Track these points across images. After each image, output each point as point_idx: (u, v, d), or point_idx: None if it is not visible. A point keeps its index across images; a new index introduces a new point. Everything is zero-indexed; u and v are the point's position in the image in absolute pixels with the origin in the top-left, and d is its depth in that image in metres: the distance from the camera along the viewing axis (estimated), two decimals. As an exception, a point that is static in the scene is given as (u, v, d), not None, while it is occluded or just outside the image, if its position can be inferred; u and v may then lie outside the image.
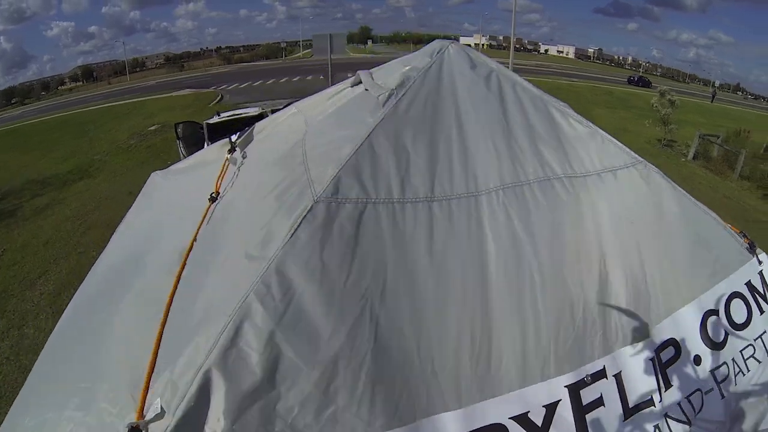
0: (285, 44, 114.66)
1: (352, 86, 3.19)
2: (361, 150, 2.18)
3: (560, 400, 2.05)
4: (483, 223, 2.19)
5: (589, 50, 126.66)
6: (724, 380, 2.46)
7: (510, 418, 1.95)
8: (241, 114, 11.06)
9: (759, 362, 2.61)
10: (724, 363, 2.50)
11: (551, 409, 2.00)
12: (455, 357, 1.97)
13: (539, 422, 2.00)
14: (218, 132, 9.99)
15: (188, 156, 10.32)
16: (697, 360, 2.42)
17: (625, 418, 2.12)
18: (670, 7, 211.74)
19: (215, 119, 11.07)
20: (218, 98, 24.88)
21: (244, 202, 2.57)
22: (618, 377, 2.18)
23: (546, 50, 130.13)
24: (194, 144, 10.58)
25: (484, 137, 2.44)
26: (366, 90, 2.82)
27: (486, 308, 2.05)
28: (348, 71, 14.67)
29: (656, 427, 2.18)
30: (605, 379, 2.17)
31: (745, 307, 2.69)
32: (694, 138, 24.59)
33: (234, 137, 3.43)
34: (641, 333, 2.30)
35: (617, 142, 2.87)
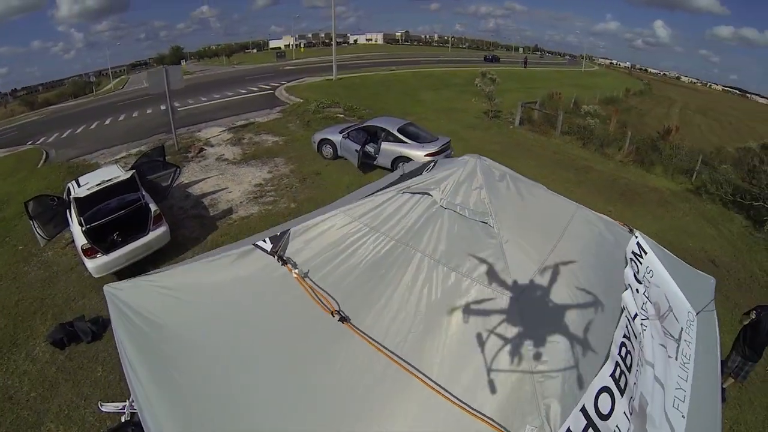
0: (93, 77, 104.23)
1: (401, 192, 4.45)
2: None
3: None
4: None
5: (397, 34, 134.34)
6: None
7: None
8: (110, 181, 10.56)
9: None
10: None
11: None
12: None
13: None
14: (88, 205, 10.27)
15: (46, 236, 10.73)
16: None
17: None
18: None
19: (83, 191, 10.50)
20: (44, 157, 20.64)
21: None
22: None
23: (355, 40, 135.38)
24: (51, 220, 10.49)
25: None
26: (459, 213, 4.10)
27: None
28: (177, 99, 15.79)
29: None
30: None
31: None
32: (516, 107, 29.80)
33: (266, 244, 4.16)
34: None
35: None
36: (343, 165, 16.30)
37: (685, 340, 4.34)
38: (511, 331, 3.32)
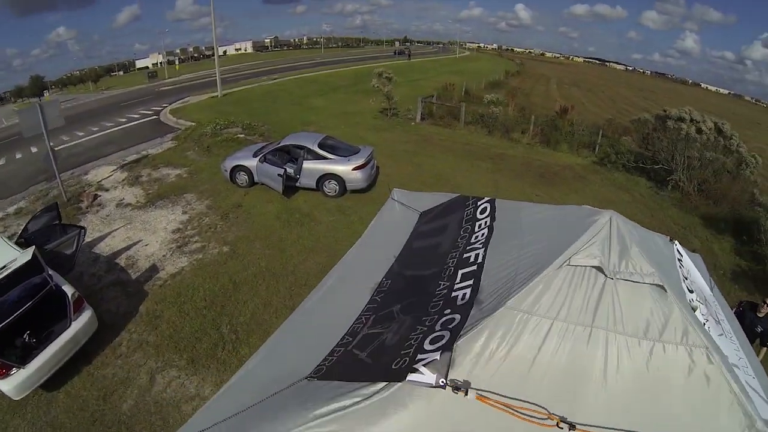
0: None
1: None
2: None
3: None
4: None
5: (266, 41, 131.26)
6: None
7: None
8: (4, 269, 7.63)
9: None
10: None
11: None
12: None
13: None
14: None
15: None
16: None
17: None
18: None
19: None
20: None
21: None
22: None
23: (225, 51, 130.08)
24: None
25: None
26: (633, 281, 4.09)
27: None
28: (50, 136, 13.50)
29: None
30: None
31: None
32: (410, 102, 29.79)
33: (426, 376, 3.66)
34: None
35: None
36: (263, 192, 14.77)
37: (721, 319, 5.09)
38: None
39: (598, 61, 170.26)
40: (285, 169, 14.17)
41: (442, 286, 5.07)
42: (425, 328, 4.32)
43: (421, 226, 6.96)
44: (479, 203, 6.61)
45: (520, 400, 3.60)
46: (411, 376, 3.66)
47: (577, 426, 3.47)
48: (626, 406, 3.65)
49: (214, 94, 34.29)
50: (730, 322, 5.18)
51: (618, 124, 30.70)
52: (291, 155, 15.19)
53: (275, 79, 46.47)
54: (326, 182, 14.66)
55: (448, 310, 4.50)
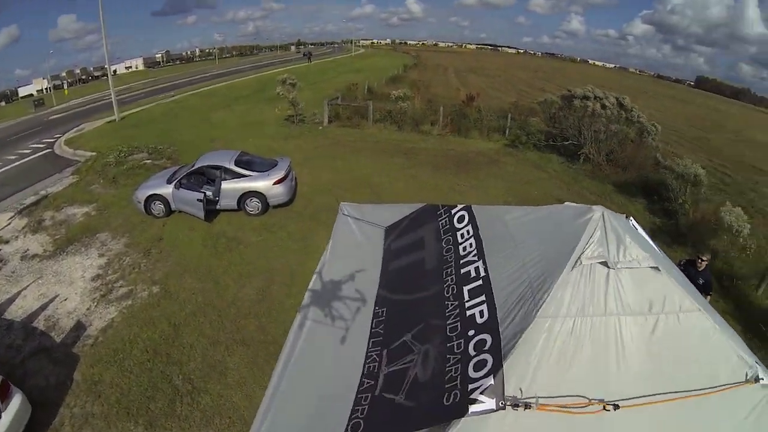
0: None
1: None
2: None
3: None
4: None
5: (157, 56, 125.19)
6: None
7: None
8: None
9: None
10: None
11: None
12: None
13: None
14: None
15: None
16: None
17: None
18: None
19: None
20: None
21: None
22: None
23: (115, 70, 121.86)
24: None
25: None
26: (633, 268, 4.41)
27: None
28: None
29: None
30: None
31: None
32: (315, 106, 29.32)
33: (486, 403, 3.70)
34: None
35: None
36: (182, 219, 13.73)
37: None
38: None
39: (490, 47, 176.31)
40: (204, 193, 13.28)
41: (451, 307, 4.98)
42: (458, 355, 4.32)
43: (392, 244, 6.62)
44: (453, 212, 6.41)
45: (571, 396, 3.89)
46: (473, 408, 3.67)
47: (620, 404, 3.85)
48: (647, 374, 4.10)
49: (111, 118, 31.72)
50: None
51: (523, 106, 31.84)
52: (207, 177, 14.30)
53: (173, 96, 44.31)
54: (248, 201, 13.97)
55: (472, 331, 4.49)
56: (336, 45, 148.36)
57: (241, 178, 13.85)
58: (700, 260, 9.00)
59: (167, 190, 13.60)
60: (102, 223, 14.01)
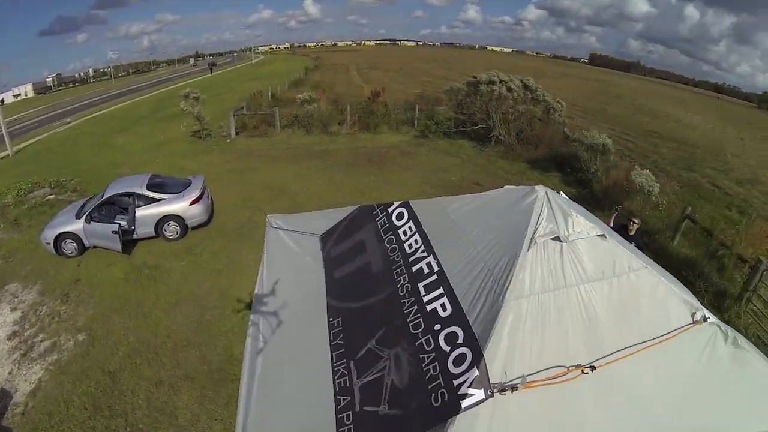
0: None
1: None
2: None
3: None
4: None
5: (48, 80, 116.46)
6: None
7: None
8: None
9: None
10: None
11: None
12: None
13: None
14: None
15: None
16: None
17: None
18: (118, 7, 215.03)
19: None
20: None
21: None
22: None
23: (2, 100, 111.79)
24: None
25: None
26: (584, 238, 4.71)
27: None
28: None
29: None
30: None
31: None
32: (221, 118, 28.83)
33: (475, 395, 3.78)
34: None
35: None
36: (98, 255, 12.76)
37: None
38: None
39: (389, 42, 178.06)
40: (118, 224, 12.46)
41: (408, 305, 4.96)
42: (431, 353, 4.35)
43: (331, 251, 6.45)
44: (391, 210, 6.33)
45: (550, 369, 4.09)
46: (465, 402, 3.72)
47: (595, 365, 4.18)
48: (612, 334, 4.41)
49: (4, 153, 29.00)
50: None
51: (429, 96, 32.47)
52: (119, 206, 13.45)
53: (69, 122, 41.48)
54: (165, 225, 13.32)
55: (438, 325, 4.53)
56: (235, 54, 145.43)
57: (156, 203, 13.21)
58: (632, 223, 9.49)
59: (78, 226, 12.57)
60: (9, 272, 12.57)
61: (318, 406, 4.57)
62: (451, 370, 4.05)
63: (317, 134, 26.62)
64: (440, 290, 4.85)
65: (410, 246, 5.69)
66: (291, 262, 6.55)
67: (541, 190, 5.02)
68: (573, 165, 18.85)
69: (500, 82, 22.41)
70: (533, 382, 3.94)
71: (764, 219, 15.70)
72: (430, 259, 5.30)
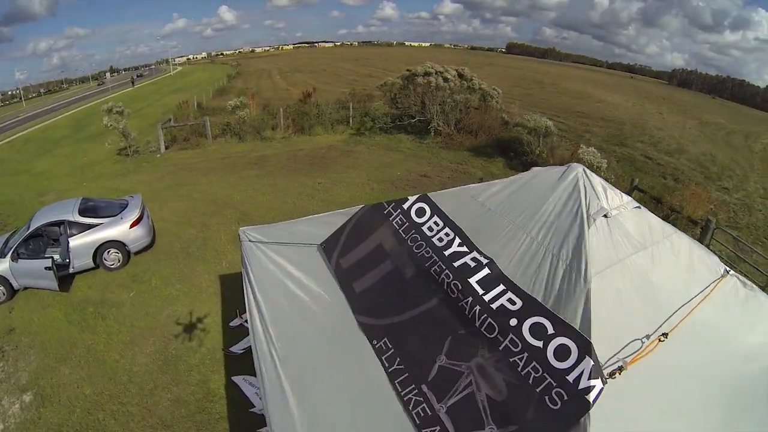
0: None
1: None
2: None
3: None
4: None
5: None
6: None
7: None
8: None
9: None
10: None
11: None
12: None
13: None
14: None
15: None
16: None
17: None
18: (25, 22, 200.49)
19: None
20: None
21: None
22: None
23: None
24: None
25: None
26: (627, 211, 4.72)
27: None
28: None
29: None
30: None
31: None
32: (149, 133, 26.74)
33: None
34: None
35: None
36: (32, 297, 10.81)
37: None
38: None
39: (307, 45, 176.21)
40: (51, 258, 10.59)
41: (468, 307, 4.27)
42: (522, 353, 3.81)
43: (341, 262, 5.33)
44: (407, 206, 5.43)
45: (631, 342, 3.84)
46: (591, 396, 3.35)
47: (665, 330, 3.96)
48: (668, 297, 4.28)
49: None
50: None
51: (361, 93, 31.62)
52: (49, 237, 11.71)
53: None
54: (105, 254, 11.57)
55: (515, 321, 3.99)
56: (152, 66, 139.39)
57: (92, 229, 11.45)
58: None
59: (3, 267, 10.60)
60: None
61: None
62: (558, 366, 3.59)
63: (251, 141, 25.16)
64: (500, 285, 4.29)
65: (441, 240, 4.91)
66: (287, 280, 5.37)
67: (578, 167, 4.87)
68: (516, 149, 18.77)
69: (436, 73, 22.00)
70: (632, 360, 3.68)
71: (697, 184, 16.37)
72: (474, 253, 4.64)
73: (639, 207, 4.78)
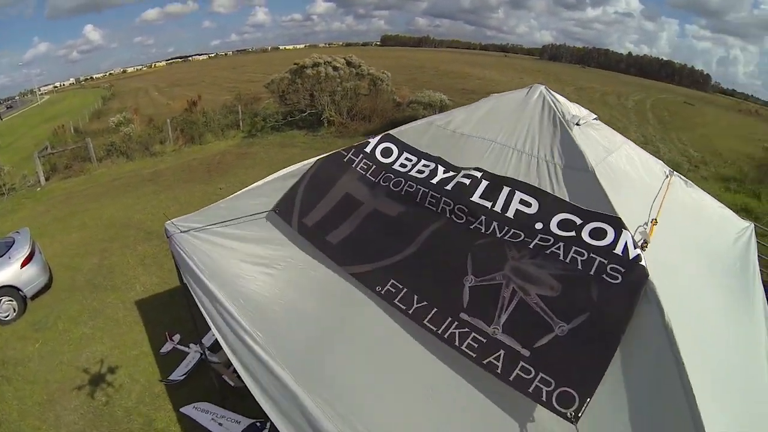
0: None
1: None
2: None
3: None
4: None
5: None
6: None
7: None
8: None
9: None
10: None
11: None
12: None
13: None
14: None
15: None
16: None
17: None
18: None
19: None
20: None
21: None
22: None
23: None
24: None
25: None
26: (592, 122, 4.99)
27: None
28: None
29: None
30: None
31: None
32: (25, 165, 23.54)
33: None
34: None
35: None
36: None
37: None
38: None
39: (181, 59, 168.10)
40: None
41: (484, 226, 3.91)
42: (559, 243, 3.56)
43: (304, 222, 4.57)
44: (370, 149, 4.96)
45: (644, 225, 3.89)
46: (643, 263, 3.28)
47: (657, 219, 4.04)
48: (643, 190, 4.53)
49: None
50: None
51: (247, 96, 30.39)
52: None
53: None
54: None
55: (540, 224, 3.79)
56: (15, 98, 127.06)
57: None
58: None
59: None
60: None
61: (467, 399, 3.19)
62: (600, 244, 3.46)
63: (141, 158, 23.12)
64: (504, 188, 4.10)
65: (421, 172, 4.44)
66: (244, 260, 4.52)
67: (540, 86, 4.86)
68: None
69: (325, 63, 21.44)
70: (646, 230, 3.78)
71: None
72: (464, 172, 4.33)
73: (597, 118, 4.96)
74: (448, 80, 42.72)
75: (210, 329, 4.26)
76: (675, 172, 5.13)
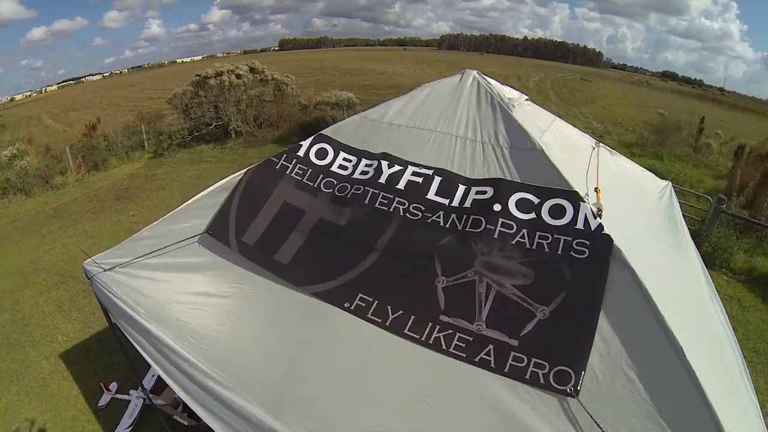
0: None
1: None
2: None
3: None
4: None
5: None
6: None
7: None
8: None
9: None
10: None
11: None
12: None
13: None
14: None
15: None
16: None
17: None
18: None
19: None
20: None
21: None
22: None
23: None
24: None
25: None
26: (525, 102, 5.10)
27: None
28: None
29: None
30: None
31: None
32: None
33: None
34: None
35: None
36: None
37: None
38: None
39: (73, 81, 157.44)
40: None
41: (442, 219, 3.77)
42: (522, 229, 3.59)
43: (243, 241, 4.10)
44: (303, 152, 4.66)
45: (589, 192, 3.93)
46: (606, 231, 3.42)
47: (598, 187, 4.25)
48: (575, 165, 4.37)
49: None
50: None
51: (149, 114, 28.70)
52: None
53: None
54: None
55: (498, 206, 3.73)
56: None
57: None
58: None
59: None
60: None
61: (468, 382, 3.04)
62: (560, 223, 3.50)
63: (41, 192, 20.89)
64: (460, 186, 3.95)
65: (365, 173, 4.16)
66: (183, 291, 3.96)
67: (472, 71, 4.86)
68: (321, 128, 18.39)
69: (228, 72, 20.55)
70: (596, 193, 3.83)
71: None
72: (412, 168, 4.15)
73: (528, 99, 5.05)
74: (351, 78, 42.60)
75: (149, 369, 3.67)
76: (600, 143, 5.23)
